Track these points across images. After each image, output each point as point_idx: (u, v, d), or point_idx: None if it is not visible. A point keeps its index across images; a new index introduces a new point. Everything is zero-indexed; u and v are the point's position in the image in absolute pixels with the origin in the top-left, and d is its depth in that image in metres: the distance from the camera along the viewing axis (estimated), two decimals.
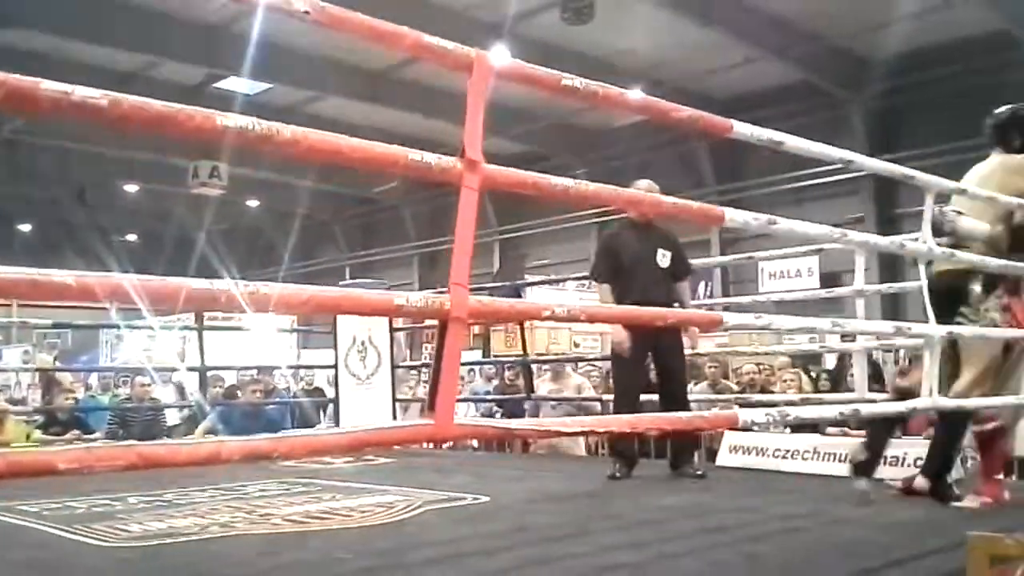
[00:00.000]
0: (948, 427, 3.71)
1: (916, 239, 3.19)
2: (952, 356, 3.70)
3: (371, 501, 3.97)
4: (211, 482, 4.67)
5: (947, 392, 3.50)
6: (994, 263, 3.46)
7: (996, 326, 3.63)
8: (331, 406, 7.66)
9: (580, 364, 8.60)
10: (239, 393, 7.58)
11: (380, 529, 3.35)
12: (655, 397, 5.07)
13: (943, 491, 3.65)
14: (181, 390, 8.20)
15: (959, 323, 3.58)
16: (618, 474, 4.82)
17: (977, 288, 3.62)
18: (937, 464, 3.70)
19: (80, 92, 1.27)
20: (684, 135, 15.78)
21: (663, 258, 4.95)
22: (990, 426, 3.89)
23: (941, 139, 12.43)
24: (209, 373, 7.20)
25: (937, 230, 3.52)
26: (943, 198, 3.61)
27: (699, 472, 4.83)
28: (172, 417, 8.27)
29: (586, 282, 13.71)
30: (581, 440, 7.09)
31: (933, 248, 3.02)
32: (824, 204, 13.86)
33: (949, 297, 3.58)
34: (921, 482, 3.72)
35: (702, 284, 15.37)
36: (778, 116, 13.26)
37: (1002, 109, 3.97)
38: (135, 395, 7.99)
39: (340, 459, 5.87)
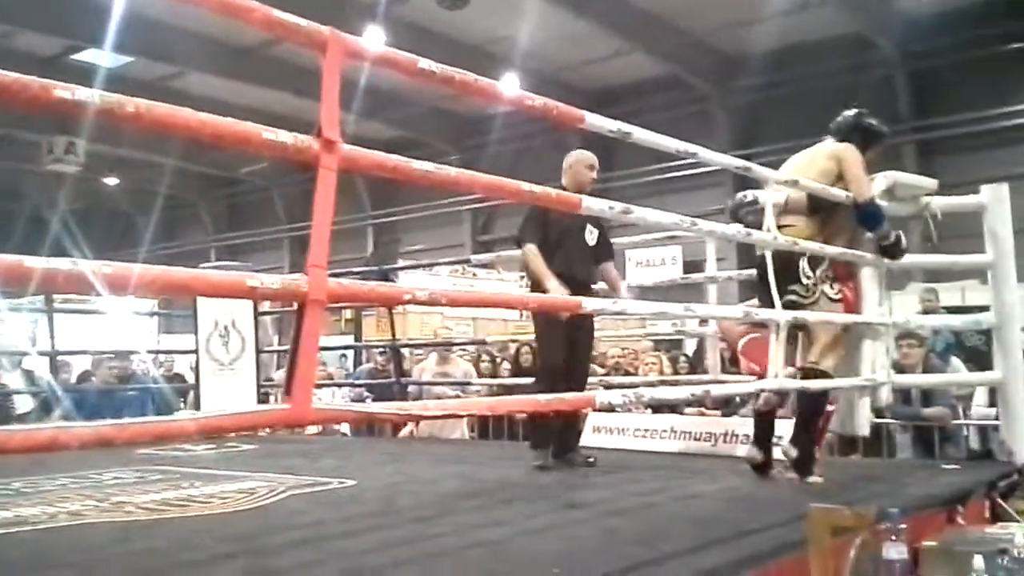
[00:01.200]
0: (808, 402, 3.89)
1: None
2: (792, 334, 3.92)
3: (232, 487, 3.90)
4: (62, 471, 4.49)
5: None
6: (815, 246, 3.71)
7: (829, 299, 3.85)
8: (192, 393, 7.42)
9: (452, 349, 8.60)
10: (93, 378, 7.27)
11: (240, 515, 3.29)
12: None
13: (805, 465, 3.81)
14: (29, 376, 7.78)
15: (791, 300, 3.77)
16: (547, 464, 4.49)
17: (805, 265, 3.81)
18: (801, 438, 3.86)
19: None
20: (557, 126, 16.03)
21: (590, 235, 4.72)
22: (829, 408, 4.16)
23: (801, 135, 12.99)
24: (60, 358, 6.87)
25: (734, 213, 3.80)
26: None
27: (589, 459, 4.60)
28: (24, 404, 7.84)
29: (459, 267, 13.80)
30: (464, 425, 7.08)
31: (777, 236, 3.19)
32: (689, 196, 14.32)
33: (782, 274, 3.76)
34: (790, 450, 3.85)
35: None
36: (647, 109, 13.63)
37: (850, 113, 4.27)
38: None
39: (201, 446, 5.73)
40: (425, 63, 1.90)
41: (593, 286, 4.79)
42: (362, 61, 1.76)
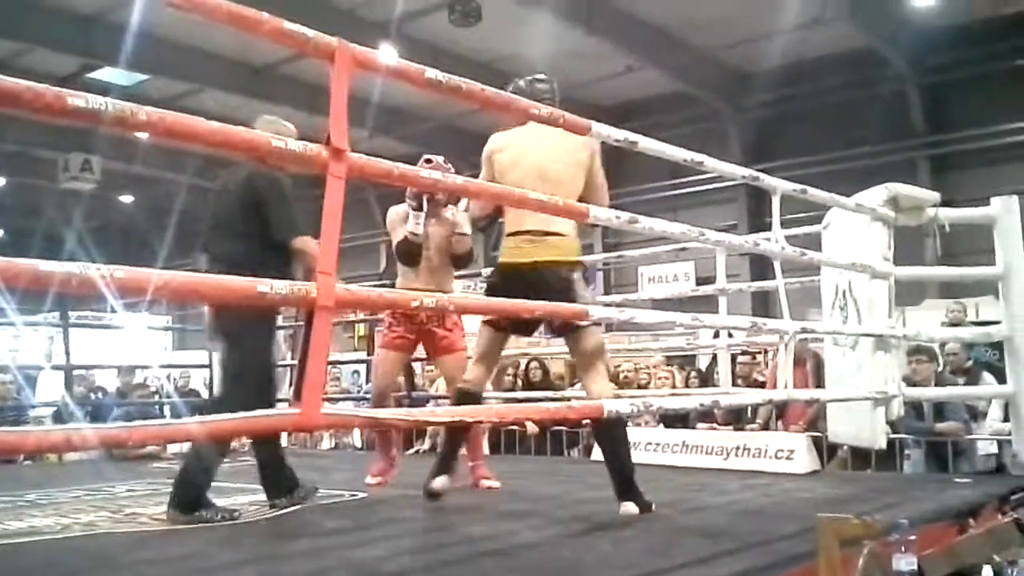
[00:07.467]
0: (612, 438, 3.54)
1: (768, 239, 3.33)
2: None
3: (244, 499, 3.92)
4: (76, 483, 4.53)
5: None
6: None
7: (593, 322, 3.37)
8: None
9: None
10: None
11: (252, 525, 3.32)
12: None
13: (641, 498, 3.42)
14: (33, 384, 7.77)
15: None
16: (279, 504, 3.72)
17: (581, 281, 3.43)
18: (625, 483, 3.47)
19: None
20: None
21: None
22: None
23: (813, 151, 13.07)
24: (75, 372, 6.91)
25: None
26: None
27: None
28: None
29: (471, 283, 13.83)
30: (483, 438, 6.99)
31: (785, 247, 3.19)
32: (701, 211, 14.32)
33: (554, 291, 3.18)
34: (629, 508, 3.39)
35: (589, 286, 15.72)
36: (658, 126, 13.64)
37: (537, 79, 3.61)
38: None
39: None
40: (432, 73, 1.93)
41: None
42: (369, 71, 1.78)
